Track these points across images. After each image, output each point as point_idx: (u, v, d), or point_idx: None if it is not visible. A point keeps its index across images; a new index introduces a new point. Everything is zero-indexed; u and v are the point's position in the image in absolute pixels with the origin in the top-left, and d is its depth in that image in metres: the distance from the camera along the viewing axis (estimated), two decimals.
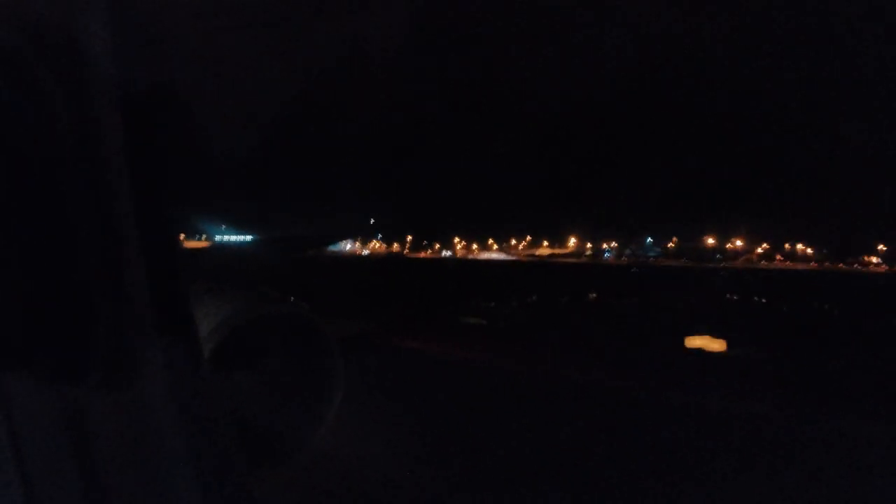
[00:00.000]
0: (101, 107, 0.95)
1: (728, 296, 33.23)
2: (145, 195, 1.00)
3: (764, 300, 31.67)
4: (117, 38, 0.97)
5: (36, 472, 0.93)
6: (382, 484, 3.58)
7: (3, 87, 0.88)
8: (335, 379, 1.42)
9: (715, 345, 14.43)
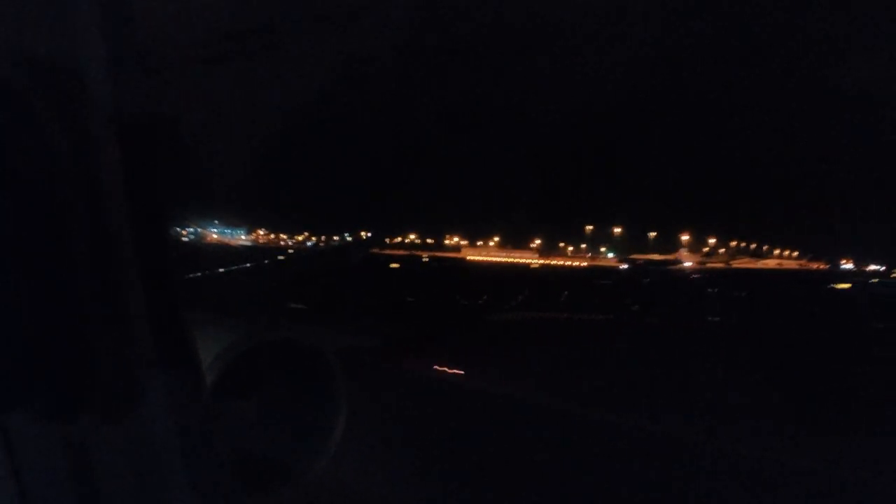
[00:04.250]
0: (98, 137, 0.95)
1: None
2: (144, 225, 0.99)
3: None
4: (114, 66, 0.97)
5: (38, 502, 0.91)
6: None
7: (5, 117, 0.88)
8: (338, 406, 1.41)
9: None
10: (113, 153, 0.96)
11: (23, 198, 0.89)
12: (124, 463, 0.96)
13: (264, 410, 1.40)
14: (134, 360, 0.97)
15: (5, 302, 0.87)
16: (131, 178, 0.97)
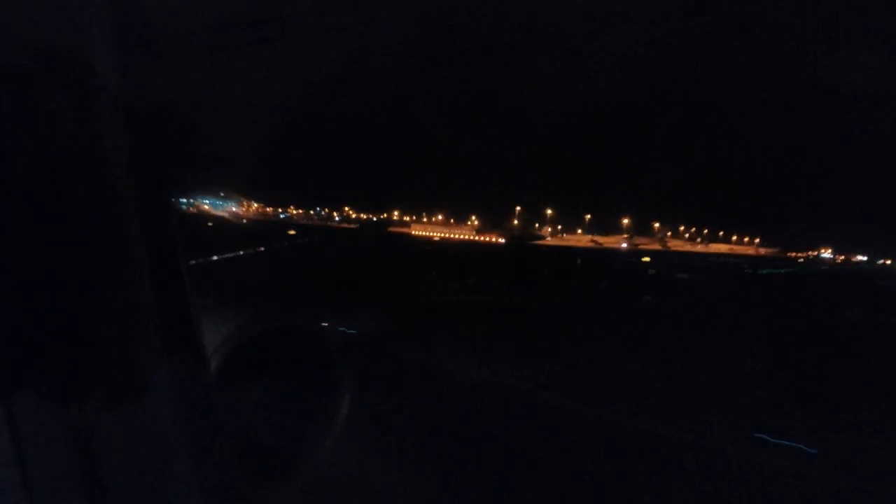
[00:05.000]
0: (106, 122, 0.96)
1: None
2: (151, 211, 1.00)
3: None
4: (122, 52, 0.97)
5: (42, 489, 0.92)
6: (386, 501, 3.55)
7: (13, 104, 0.87)
8: (342, 391, 1.42)
9: None
10: (120, 138, 0.97)
11: (29, 182, 0.89)
12: (128, 449, 0.98)
13: (267, 398, 1.40)
14: (139, 345, 0.98)
15: (12, 287, 0.88)
16: (139, 164, 0.98)
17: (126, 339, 0.97)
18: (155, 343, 0.99)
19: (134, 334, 0.97)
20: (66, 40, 0.92)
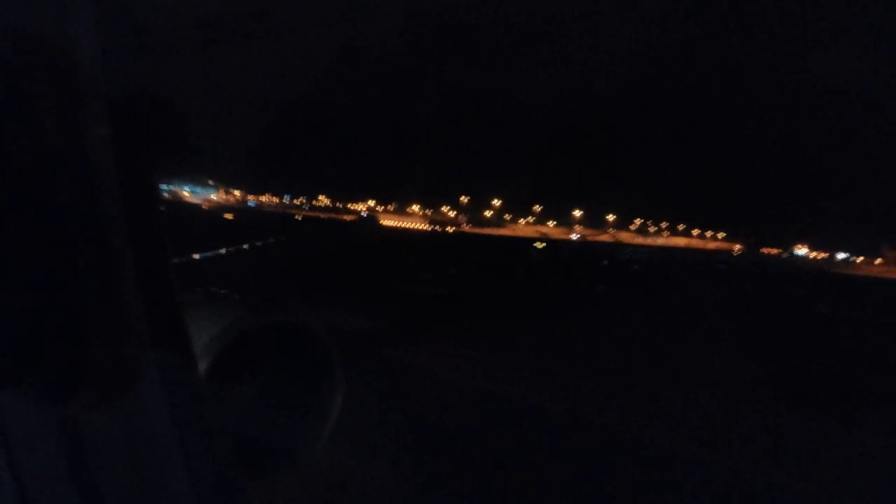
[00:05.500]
0: (92, 117, 0.94)
1: None
2: (137, 207, 0.98)
3: None
4: (108, 44, 0.95)
5: (32, 488, 0.91)
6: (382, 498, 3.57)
7: None
8: (335, 388, 1.41)
9: None
10: (105, 131, 0.95)
11: (10, 176, 0.87)
12: (119, 446, 0.97)
13: (260, 394, 1.40)
14: (128, 343, 0.97)
15: None
16: (124, 157, 0.96)
17: (114, 333, 0.95)
18: (143, 339, 0.98)
19: (122, 329, 0.96)
20: (48, 31, 0.90)
